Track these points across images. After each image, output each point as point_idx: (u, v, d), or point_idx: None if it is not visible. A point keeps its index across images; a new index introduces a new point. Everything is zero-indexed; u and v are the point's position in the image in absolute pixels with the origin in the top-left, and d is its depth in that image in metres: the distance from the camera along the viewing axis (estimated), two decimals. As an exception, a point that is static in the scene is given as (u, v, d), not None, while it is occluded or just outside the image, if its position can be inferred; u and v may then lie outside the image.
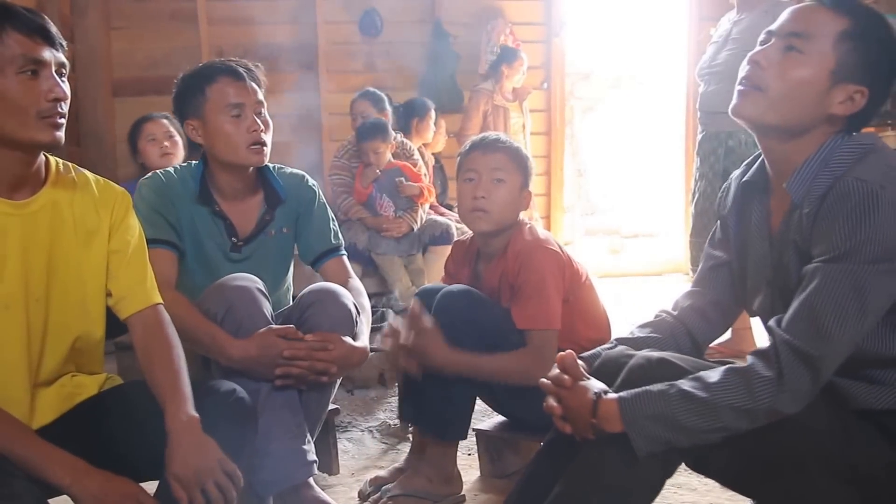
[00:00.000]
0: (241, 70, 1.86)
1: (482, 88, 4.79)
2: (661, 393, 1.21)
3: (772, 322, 1.24)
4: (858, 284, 1.16)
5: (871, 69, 1.26)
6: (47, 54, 1.32)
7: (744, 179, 1.42)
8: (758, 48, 1.31)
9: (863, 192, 1.16)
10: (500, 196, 1.92)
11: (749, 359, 1.22)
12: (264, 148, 1.87)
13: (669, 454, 1.25)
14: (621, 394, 1.25)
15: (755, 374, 1.18)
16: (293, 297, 2.06)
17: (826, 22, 1.26)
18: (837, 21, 1.26)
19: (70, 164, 1.49)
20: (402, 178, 3.57)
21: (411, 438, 2.11)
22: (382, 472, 2.01)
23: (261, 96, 1.89)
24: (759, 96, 1.28)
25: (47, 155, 1.44)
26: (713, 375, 1.21)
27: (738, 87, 1.31)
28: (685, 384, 1.21)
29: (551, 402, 1.33)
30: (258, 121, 1.85)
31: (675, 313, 1.52)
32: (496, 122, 4.73)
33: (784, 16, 1.31)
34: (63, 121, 1.35)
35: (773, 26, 1.31)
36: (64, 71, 1.36)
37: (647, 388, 1.23)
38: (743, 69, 1.31)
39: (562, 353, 1.37)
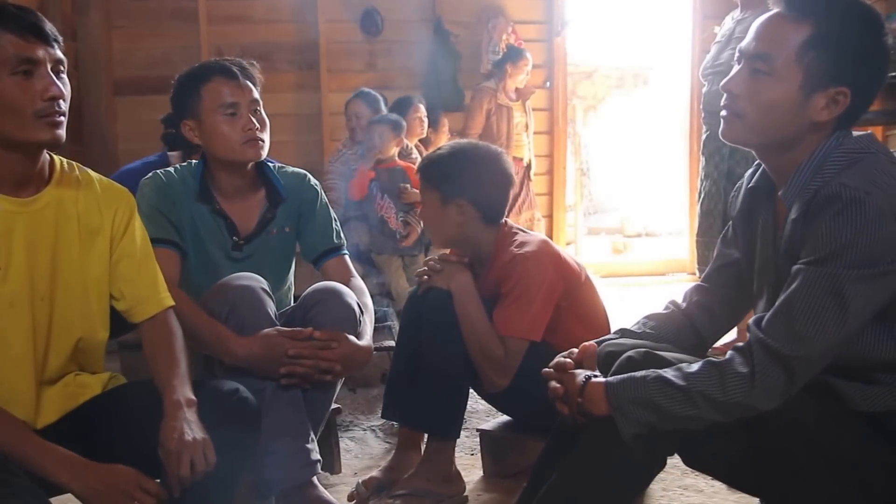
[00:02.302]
0: (234, 69, 1.84)
1: (485, 87, 4.77)
2: (642, 378, 1.25)
3: (752, 320, 1.26)
4: (837, 288, 1.16)
5: (848, 67, 1.23)
6: (41, 53, 1.30)
7: (750, 185, 1.42)
8: (730, 73, 1.30)
9: (847, 197, 1.16)
10: (425, 219, 2.11)
11: (728, 353, 1.24)
12: (260, 142, 1.85)
13: (657, 441, 1.27)
14: (609, 378, 1.29)
15: (730, 369, 1.21)
16: (295, 297, 2.05)
17: (787, 35, 1.23)
18: (798, 31, 1.23)
19: (74, 163, 1.48)
20: (407, 185, 3.54)
21: (398, 435, 2.11)
22: (375, 473, 2.00)
23: (256, 94, 1.87)
24: (740, 123, 1.29)
25: (51, 154, 1.43)
26: (693, 366, 1.24)
27: (721, 114, 1.32)
28: (667, 372, 1.25)
29: (554, 385, 1.38)
30: (254, 119, 1.84)
31: (683, 307, 1.53)
32: (499, 122, 4.71)
33: (749, 33, 1.29)
34: (62, 119, 1.33)
35: (743, 44, 1.30)
36: (62, 68, 1.34)
37: (632, 374, 1.27)
38: (721, 96, 1.32)
39: (586, 343, 1.44)
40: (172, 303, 1.53)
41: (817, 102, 1.24)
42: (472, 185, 1.94)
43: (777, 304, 1.22)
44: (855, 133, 1.28)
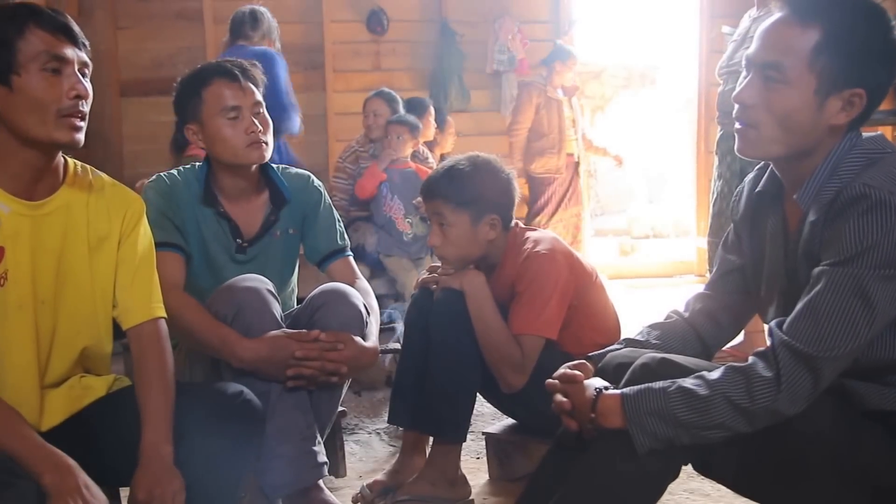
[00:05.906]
0: (235, 70, 1.83)
1: (533, 81, 4.73)
2: (661, 390, 1.21)
3: (773, 324, 1.23)
4: (863, 289, 1.14)
5: (860, 67, 1.21)
6: (70, 52, 1.32)
7: (757, 189, 1.41)
8: (740, 83, 1.28)
9: (872, 198, 1.15)
10: (449, 241, 1.92)
11: (750, 359, 1.22)
12: (264, 145, 1.84)
13: (673, 453, 1.24)
14: (625, 390, 1.25)
15: (755, 374, 1.18)
16: (298, 299, 2.04)
17: (796, 41, 1.21)
18: (807, 35, 1.21)
19: (88, 166, 1.48)
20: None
21: (402, 438, 2.10)
22: (380, 476, 1.99)
23: (258, 96, 1.85)
24: (756, 135, 1.27)
25: (66, 157, 1.43)
26: (714, 373, 1.21)
27: (735, 127, 1.30)
28: (687, 381, 1.21)
29: (560, 398, 1.34)
30: (256, 121, 1.82)
31: (686, 315, 1.52)
32: (549, 115, 4.66)
33: (756, 41, 1.27)
34: (83, 123, 1.33)
35: (750, 52, 1.27)
36: (87, 71, 1.35)
37: (650, 384, 1.23)
38: (734, 107, 1.29)
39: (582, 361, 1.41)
40: (163, 314, 1.49)
41: (833, 106, 1.22)
42: (499, 198, 1.93)
43: (800, 306, 1.20)
44: (865, 134, 1.27)
